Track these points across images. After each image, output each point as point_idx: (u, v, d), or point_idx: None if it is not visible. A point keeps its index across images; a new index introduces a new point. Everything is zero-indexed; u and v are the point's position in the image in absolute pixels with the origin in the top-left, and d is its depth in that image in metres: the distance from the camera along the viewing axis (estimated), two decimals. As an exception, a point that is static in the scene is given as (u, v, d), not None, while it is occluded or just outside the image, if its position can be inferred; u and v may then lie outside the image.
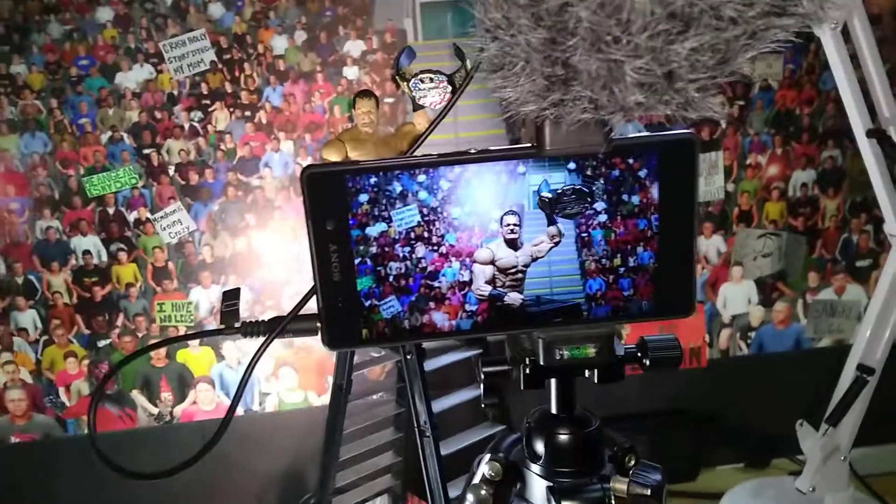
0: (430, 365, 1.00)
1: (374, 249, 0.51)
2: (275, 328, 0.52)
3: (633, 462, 0.62)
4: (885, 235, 1.46)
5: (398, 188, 0.50)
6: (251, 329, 0.53)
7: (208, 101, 1.30)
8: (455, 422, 1.13)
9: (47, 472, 1.38)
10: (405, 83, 0.76)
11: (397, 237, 0.51)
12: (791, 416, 1.23)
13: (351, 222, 0.51)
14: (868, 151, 1.07)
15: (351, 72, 1.31)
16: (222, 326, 0.53)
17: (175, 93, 1.30)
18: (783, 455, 1.47)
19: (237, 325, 0.53)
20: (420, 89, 0.73)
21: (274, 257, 1.35)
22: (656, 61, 0.35)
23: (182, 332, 1.37)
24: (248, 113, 1.31)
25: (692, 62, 0.35)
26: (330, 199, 0.50)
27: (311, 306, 0.53)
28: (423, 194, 0.51)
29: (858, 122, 1.06)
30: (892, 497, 1.25)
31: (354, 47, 1.30)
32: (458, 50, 0.69)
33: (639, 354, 0.59)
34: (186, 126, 1.30)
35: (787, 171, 1.44)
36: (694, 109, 0.37)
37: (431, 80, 0.71)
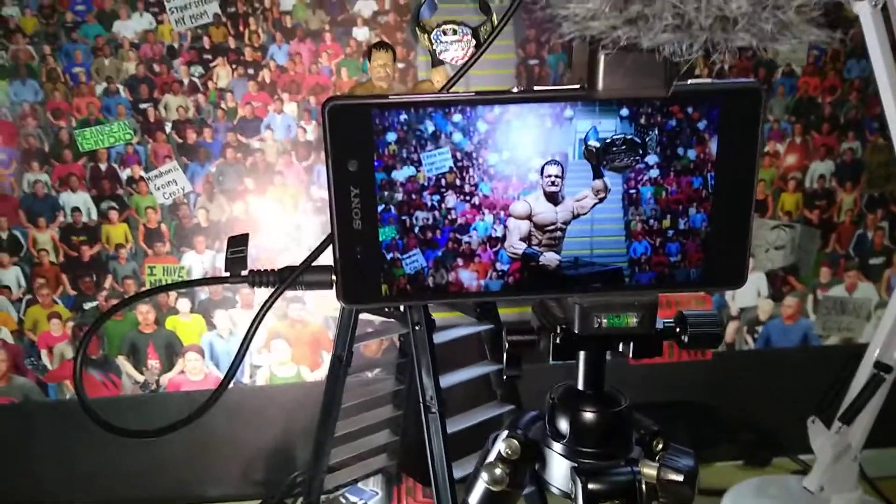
0: (436, 339, 0.95)
1: (399, 196, 0.46)
2: (286, 278, 0.47)
3: (660, 446, 0.58)
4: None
5: (430, 128, 0.45)
6: (260, 278, 0.48)
7: (210, 56, 1.24)
8: (459, 400, 1.08)
9: (26, 436, 1.32)
10: (425, 35, 0.71)
11: (426, 183, 0.46)
12: (795, 414, 1.19)
13: (376, 164, 0.45)
14: (900, 139, 1.03)
15: (360, 33, 1.25)
16: (227, 274, 0.48)
17: (175, 45, 1.23)
18: (784, 454, 1.43)
19: (244, 273, 0.48)
20: (442, 42, 0.68)
21: (272, 225, 1.30)
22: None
23: (173, 299, 1.32)
24: (251, 71, 1.25)
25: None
26: (354, 136, 0.45)
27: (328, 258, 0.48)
28: (457, 136, 0.45)
29: (893, 107, 1.02)
30: (900, 499, 1.22)
31: (365, 7, 1.24)
32: (483, 3, 0.64)
33: (677, 330, 0.54)
34: (186, 81, 1.24)
35: (805, 161, 1.40)
36: (792, 35, 0.32)
37: (455, 31, 0.66)
